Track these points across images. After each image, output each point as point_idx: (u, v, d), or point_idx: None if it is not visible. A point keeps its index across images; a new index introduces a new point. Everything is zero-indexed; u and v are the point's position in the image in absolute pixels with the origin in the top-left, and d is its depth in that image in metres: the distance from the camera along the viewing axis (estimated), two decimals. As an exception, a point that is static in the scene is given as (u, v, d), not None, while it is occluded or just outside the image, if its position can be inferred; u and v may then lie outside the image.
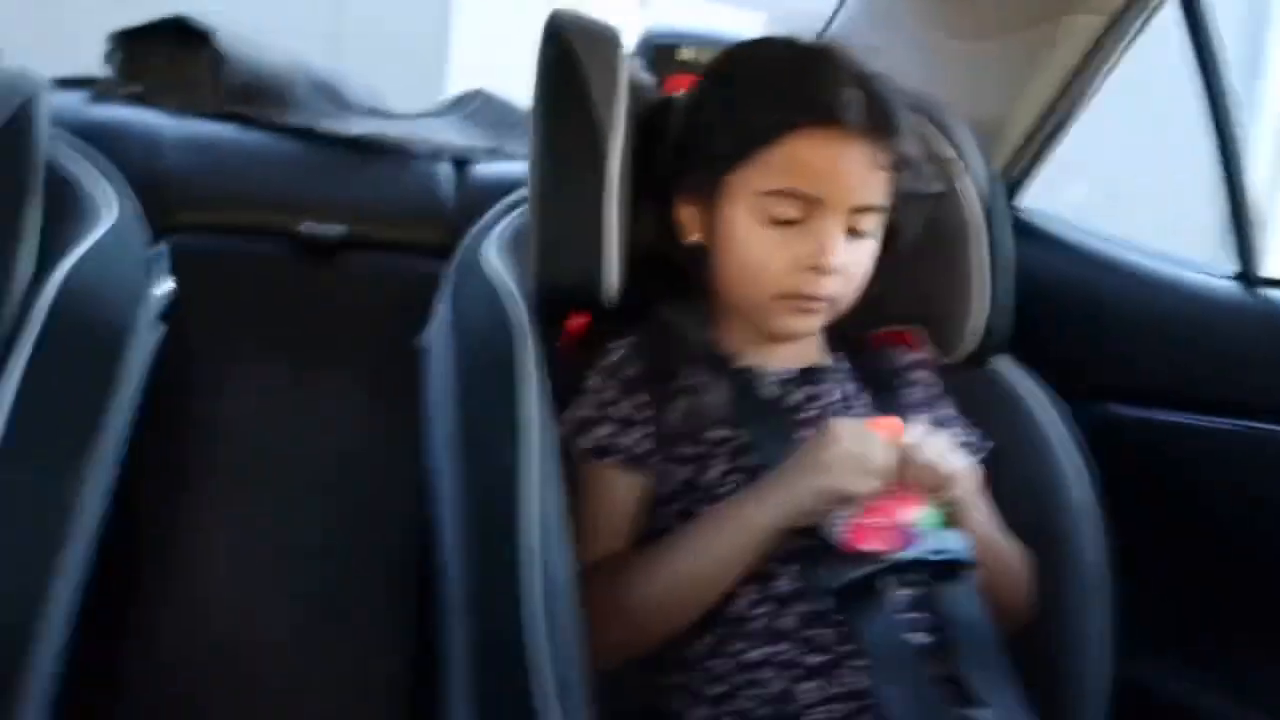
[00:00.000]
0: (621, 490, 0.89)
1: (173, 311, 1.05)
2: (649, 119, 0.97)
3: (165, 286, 1.01)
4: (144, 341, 0.90)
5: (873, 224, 0.91)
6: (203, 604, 1.15)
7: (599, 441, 0.89)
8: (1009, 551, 0.94)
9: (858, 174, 0.87)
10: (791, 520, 0.82)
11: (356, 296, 1.23)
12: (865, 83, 0.88)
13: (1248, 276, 1.20)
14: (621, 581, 0.85)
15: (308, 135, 1.29)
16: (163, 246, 1.06)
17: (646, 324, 0.94)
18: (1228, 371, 1.18)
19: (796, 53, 0.92)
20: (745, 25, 1.03)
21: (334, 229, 1.21)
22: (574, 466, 0.90)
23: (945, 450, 0.85)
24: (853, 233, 0.89)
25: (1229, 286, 1.21)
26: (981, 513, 0.92)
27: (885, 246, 0.96)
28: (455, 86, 1.56)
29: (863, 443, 0.82)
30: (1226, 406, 1.18)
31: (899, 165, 0.90)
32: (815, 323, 0.93)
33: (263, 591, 1.17)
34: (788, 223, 0.87)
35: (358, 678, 1.19)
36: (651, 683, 0.89)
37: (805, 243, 0.87)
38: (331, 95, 1.38)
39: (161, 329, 1.03)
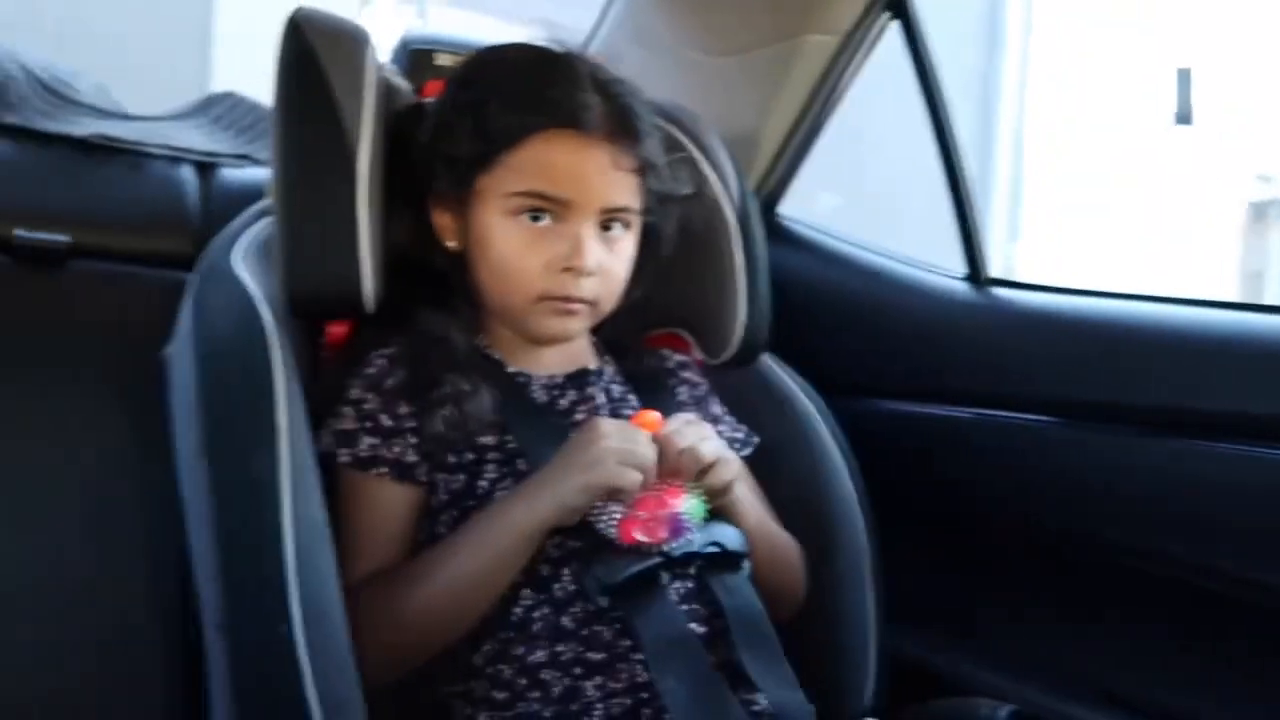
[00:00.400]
0: (390, 502, 0.86)
1: None
2: (400, 124, 0.95)
3: None
4: None
5: (626, 226, 0.92)
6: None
7: (363, 453, 0.86)
8: (780, 538, 0.98)
9: (601, 176, 0.89)
10: (560, 518, 0.82)
11: (91, 309, 1.13)
12: (605, 88, 0.91)
13: (976, 277, 1.31)
14: (396, 591, 0.82)
15: (24, 135, 1.16)
16: None
17: (408, 332, 0.92)
18: (962, 365, 1.28)
19: (539, 58, 0.92)
20: (511, 37, 1.02)
21: (55, 237, 1.10)
22: (335, 480, 0.86)
23: (703, 437, 0.86)
24: (606, 235, 0.91)
25: (961, 286, 1.32)
26: (750, 501, 0.95)
27: (646, 251, 0.98)
28: (221, 87, 1.46)
29: (625, 437, 0.83)
30: (964, 397, 1.28)
31: (643, 168, 0.92)
32: (577, 325, 0.93)
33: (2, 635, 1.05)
34: (537, 220, 0.88)
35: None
36: (433, 694, 0.86)
37: (558, 245, 0.88)
38: (55, 93, 1.25)
39: None
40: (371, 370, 0.89)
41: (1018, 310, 1.26)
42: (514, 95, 0.89)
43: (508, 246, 0.88)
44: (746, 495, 0.95)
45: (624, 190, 0.91)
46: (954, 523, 1.33)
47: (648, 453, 0.82)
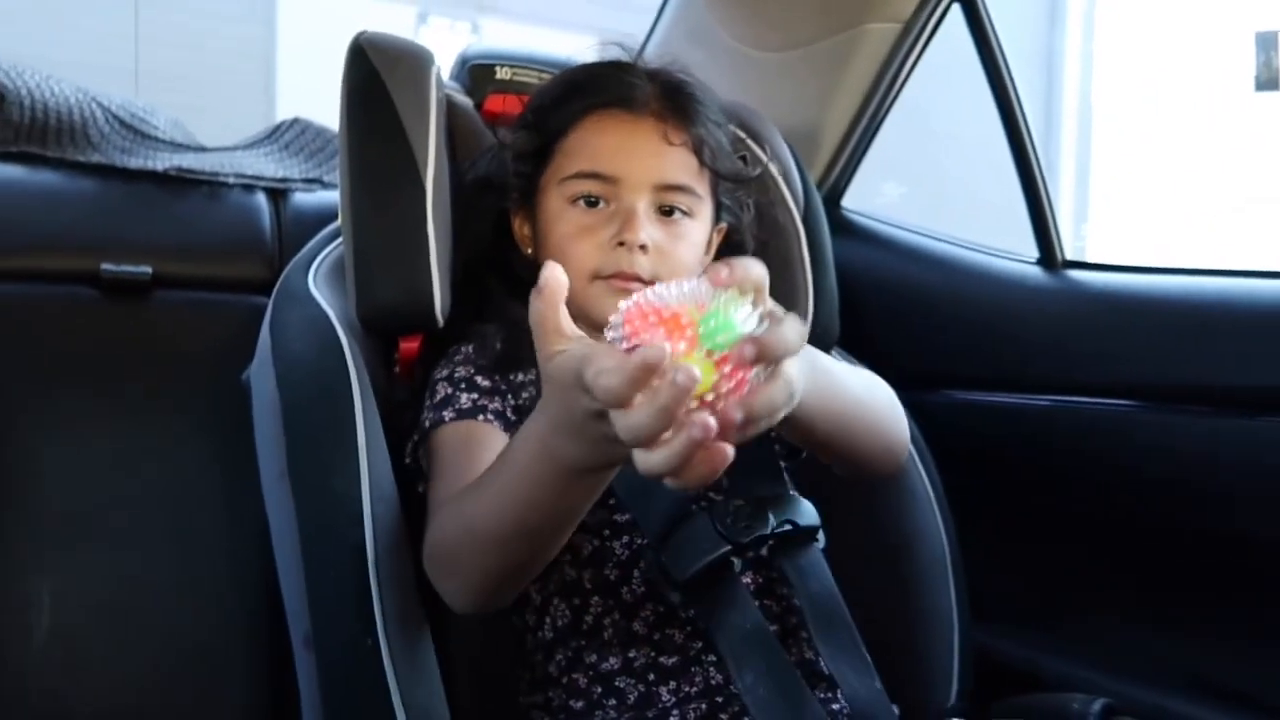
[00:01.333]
0: (495, 447, 0.77)
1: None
2: (488, 160, 0.98)
3: None
4: None
5: (687, 204, 0.91)
6: (17, 673, 1.05)
7: (465, 406, 0.84)
8: (861, 382, 0.85)
9: (650, 151, 0.89)
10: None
11: (174, 336, 1.17)
12: (656, 75, 0.92)
13: (1050, 260, 1.28)
14: (460, 506, 0.72)
15: (106, 172, 1.21)
16: None
17: (493, 321, 0.92)
18: (1039, 351, 1.25)
19: (596, 61, 0.95)
20: (566, 46, 1.04)
21: (138, 269, 1.14)
22: (425, 463, 0.84)
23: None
24: (663, 212, 0.90)
25: (1034, 271, 1.29)
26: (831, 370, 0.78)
27: (730, 249, 0.97)
28: (284, 114, 1.50)
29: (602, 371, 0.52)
30: (1041, 385, 1.25)
31: (697, 145, 0.91)
32: None
33: (95, 650, 1.09)
34: (594, 205, 0.88)
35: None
36: (514, 705, 0.86)
37: (612, 222, 0.88)
38: (133, 130, 1.30)
39: None
40: (459, 355, 0.90)
41: (1095, 292, 1.23)
42: (565, 89, 0.92)
43: (565, 230, 0.89)
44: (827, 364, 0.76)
45: (677, 167, 0.90)
46: (1035, 514, 1.30)
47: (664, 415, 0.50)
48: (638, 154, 0.89)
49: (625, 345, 0.53)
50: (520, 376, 0.88)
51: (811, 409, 0.69)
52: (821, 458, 0.82)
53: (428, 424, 0.85)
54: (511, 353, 0.88)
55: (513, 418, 0.86)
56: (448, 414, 0.85)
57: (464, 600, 0.73)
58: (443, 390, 0.87)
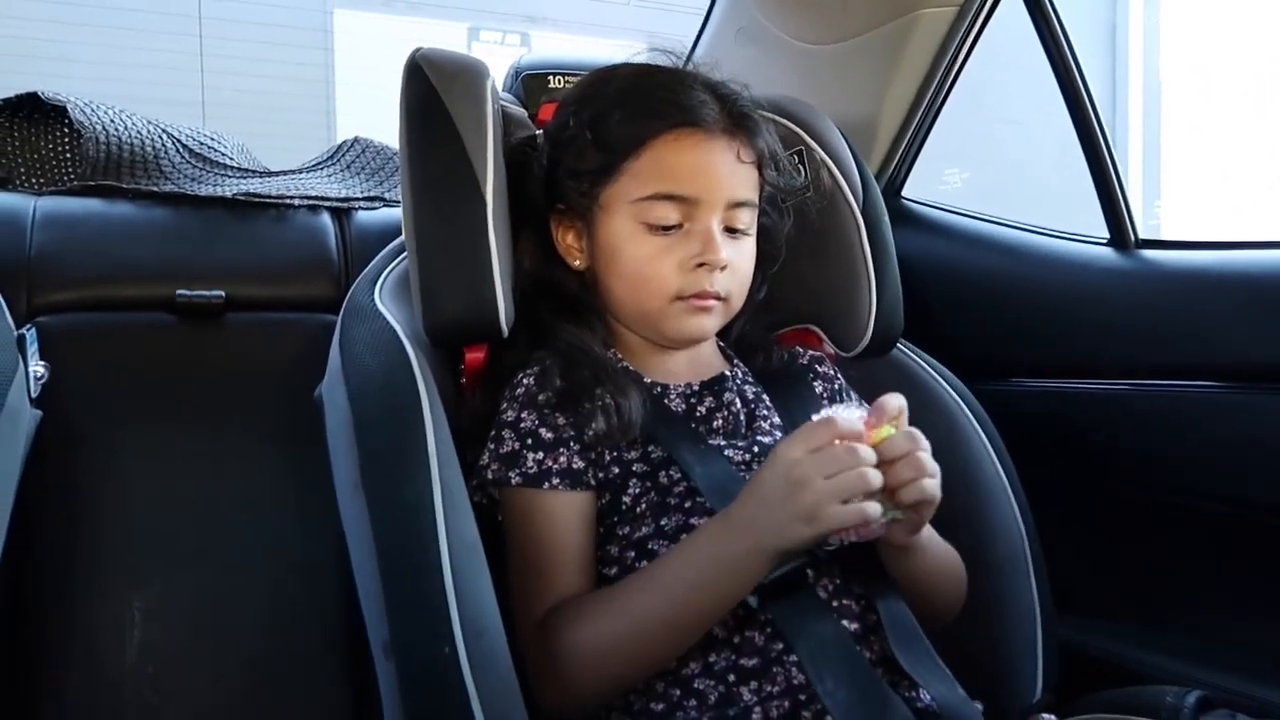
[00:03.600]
0: (566, 513, 0.86)
1: (48, 394, 1.00)
2: (518, 152, 0.98)
3: (36, 369, 0.97)
4: (18, 427, 0.86)
5: (748, 220, 0.94)
6: (114, 687, 1.09)
7: (531, 470, 0.87)
8: (943, 547, 0.92)
9: (725, 170, 0.90)
10: (779, 561, 0.78)
11: (247, 357, 1.20)
12: (717, 89, 0.93)
13: (1122, 240, 1.25)
14: (581, 626, 0.81)
15: (178, 200, 1.25)
16: (28, 329, 1.01)
17: (551, 348, 0.94)
18: (1115, 335, 1.22)
19: (649, 69, 0.95)
20: (616, 51, 1.04)
21: (212, 293, 1.18)
22: (499, 510, 0.88)
23: (922, 449, 0.78)
24: (730, 230, 0.92)
25: (1106, 253, 1.26)
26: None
27: (762, 251, 0.98)
28: (344, 134, 1.53)
29: (833, 462, 0.74)
30: (1118, 369, 1.22)
31: (763, 161, 0.94)
32: (712, 323, 0.94)
33: (185, 663, 1.12)
34: (667, 228, 0.90)
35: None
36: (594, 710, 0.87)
37: (689, 243, 0.89)
38: (202, 158, 1.34)
39: (37, 414, 0.99)
40: (520, 390, 0.91)
41: (1172, 271, 1.19)
42: (631, 104, 0.91)
43: (641, 252, 0.90)
44: None
45: (747, 184, 0.92)
46: (1117, 503, 1.26)
47: (871, 474, 0.74)
48: (715, 174, 0.90)
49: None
50: (586, 405, 0.88)
51: (921, 541, 0.83)
52: (911, 594, 0.87)
53: (490, 475, 0.87)
54: (574, 388, 0.89)
55: (579, 464, 0.87)
56: (514, 476, 0.87)
57: (601, 695, 0.82)
58: (510, 442, 0.88)
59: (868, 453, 0.75)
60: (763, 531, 0.76)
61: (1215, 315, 1.12)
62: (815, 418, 0.77)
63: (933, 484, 0.77)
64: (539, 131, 1.02)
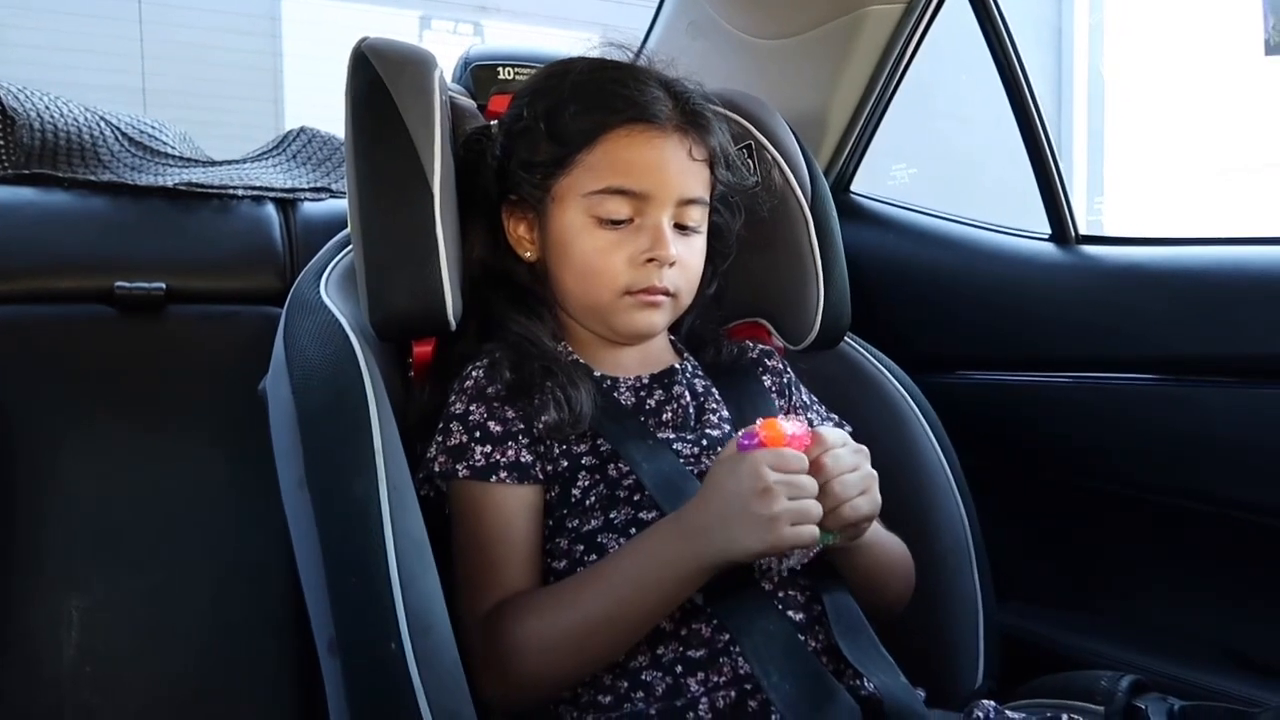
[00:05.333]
0: (514, 507, 0.87)
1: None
2: (470, 144, 0.98)
3: None
4: None
5: (699, 218, 0.94)
6: (52, 687, 1.07)
7: (479, 463, 0.87)
8: (890, 542, 0.94)
9: (676, 167, 0.91)
10: (723, 568, 0.79)
11: (188, 351, 1.18)
12: (671, 85, 0.93)
13: (1063, 236, 1.27)
14: (526, 621, 0.81)
15: (117, 190, 1.22)
16: None
17: (499, 340, 0.93)
18: (1056, 328, 1.24)
19: (604, 64, 0.95)
20: (567, 44, 1.04)
21: (152, 285, 1.15)
22: (446, 502, 0.88)
23: (855, 467, 0.80)
24: (681, 228, 0.92)
25: (1047, 248, 1.28)
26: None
27: (713, 248, 0.99)
28: (291, 124, 1.51)
29: (793, 487, 0.76)
30: (1060, 362, 1.24)
31: (714, 159, 0.95)
32: (660, 318, 0.94)
33: (126, 664, 1.10)
34: (618, 222, 0.90)
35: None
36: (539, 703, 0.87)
37: (639, 239, 0.90)
38: (142, 147, 1.31)
39: None
40: (469, 383, 0.90)
41: (1111, 266, 1.22)
42: (586, 97, 0.91)
43: (591, 245, 0.90)
44: None
45: (698, 181, 0.93)
46: (1057, 493, 1.29)
47: (815, 505, 0.77)
48: (666, 171, 0.90)
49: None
50: (536, 398, 0.88)
51: (866, 540, 0.84)
52: (859, 586, 0.88)
53: (437, 468, 0.87)
54: (523, 380, 0.89)
55: (527, 458, 0.87)
56: (462, 469, 0.87)
57: (546, 689, 0.82)
58: (458, 434, 0.88)
59: (808, 481, 0.77)
60: (713, 540, 0.77)
61: (1152, 310, 1.15)
62: (782, 426, 0.78)
63: (866, 500, 0.80)
64: (493, 123, 1.02)
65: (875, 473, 0.82)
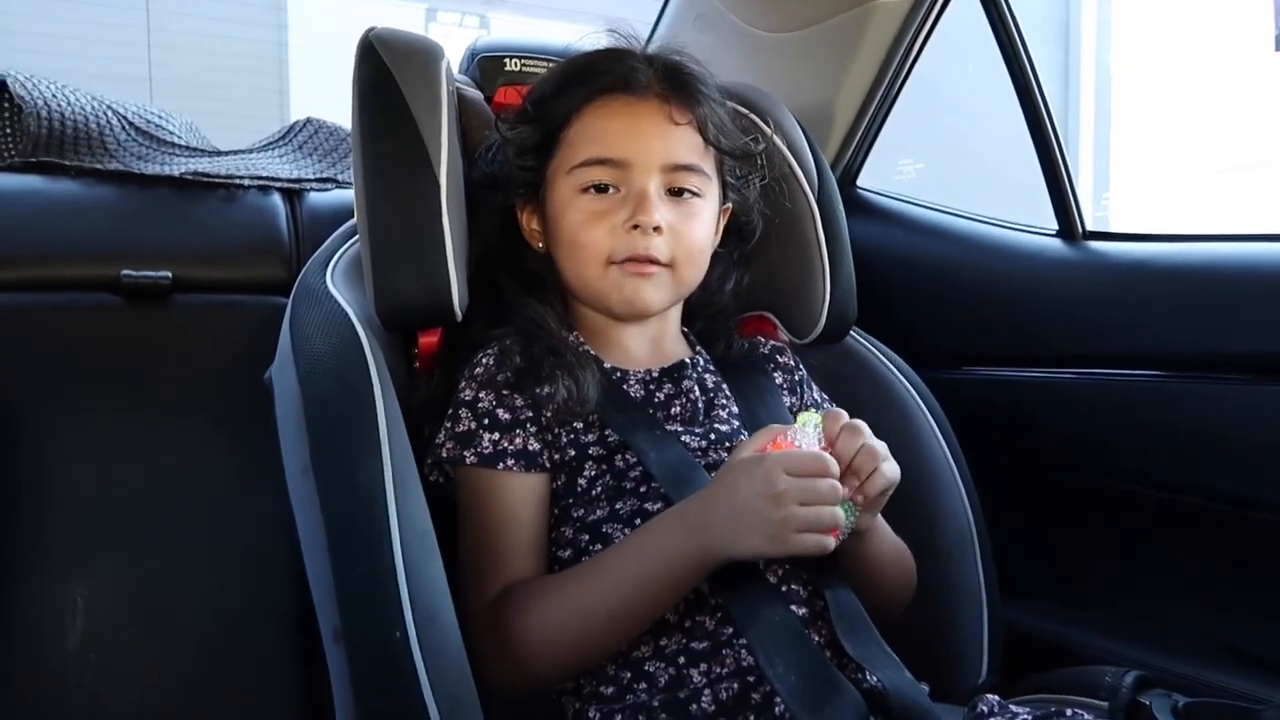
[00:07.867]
0: (521, 494, 0.87)
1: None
2: (486, 154, 0.99)
3: None
4: None
5: (697, 184, 0.92)
6: (56, 673, 1.07)
7: (486, 450, 0.87)
8: (895, 540, 0.94)
9: (656, 131, 0.90)
10: (726, 562, 0.79)
11: (194, 340, 1.18)
12: (654, 58, 0.93)
13: (1070, 232, 1.27)
14: (530, 607, 0.81)
15: (124, 179, 1.22)
16: None
17: (511, 325, 0.93)
18: (1062, 325, 1.24)
19: (592, 51, 0.95)
20: (573, 35, 1.04)
21: (158, 274, 1.15)
22: (454, 490, 0.88)
23: (874, 451, 0.81)
24: (673, 193, 0.91)
25: (1054, 244, 1.28)
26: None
27: (736, 235, 0.98)
28: (298, 114, 1.51)
29: (807, 492, 0.76)
30: (1065, 358, 1.24)
31: (701, 123, 0.92)
32: (654, 292, 0.92)
33: (130, 650, 1.10)
34: (601, 191, 0.90)
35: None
36: (543, 693, 0.87)
37: (624, 207, 0.89)
38: (149, 136, 1.31)
39: None
40: (479, 369, 0.90)
41: (1117, 263, 1.21)
42: (565, 78, 0.93)
43: (575, 218, 0.90)
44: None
45: (684, 146, 0.91)
46: (1063, 489, 1.29)
47: (836, 513, 0.77)
48: (644, 136, 0.90)
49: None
50: (545, 385, 0.88)
51: (874, 532, 0.86)
52: (860, 583, 0.87)
53: (445, 454, 0.88)
54: (532, 366, 0.89)
55: (535, 446, 0.87)
56: (469, 456, 0.87)
57: (549, 677, 0.82)
58: (466, 421, 0.88)
59: (837, 486, 0.77)
60: (718, 538, 0.77)
61: (1159, 306, 1.15)
62: (791, 435, 0.79)
63: (890, 466, 0.82)
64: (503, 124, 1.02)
65: (883, 443, 0.83)
